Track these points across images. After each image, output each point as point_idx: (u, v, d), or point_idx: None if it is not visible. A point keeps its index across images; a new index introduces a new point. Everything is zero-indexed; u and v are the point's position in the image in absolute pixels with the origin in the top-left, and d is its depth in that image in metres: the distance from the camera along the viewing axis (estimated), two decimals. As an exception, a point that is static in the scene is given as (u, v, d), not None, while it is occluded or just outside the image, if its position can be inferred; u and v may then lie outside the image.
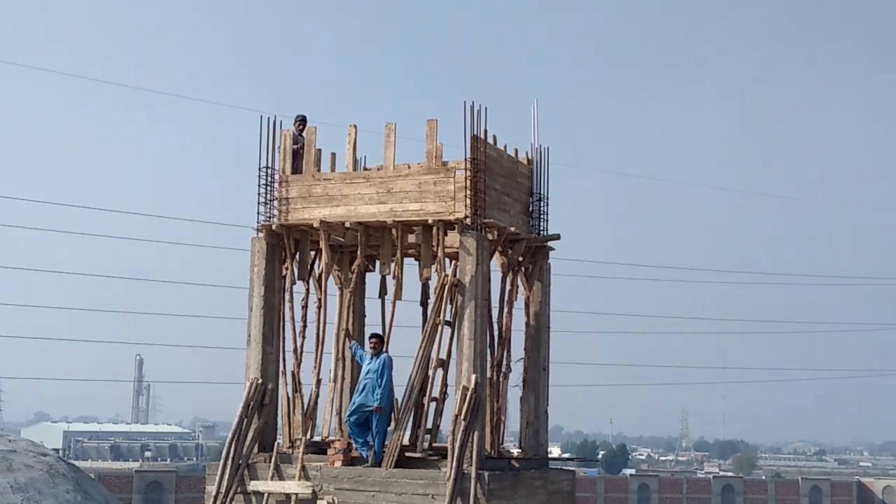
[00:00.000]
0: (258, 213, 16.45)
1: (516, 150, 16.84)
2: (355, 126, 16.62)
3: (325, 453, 15.81)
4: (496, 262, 16.59)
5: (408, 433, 15.56)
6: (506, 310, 16.71)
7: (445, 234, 15.66)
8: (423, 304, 17.17)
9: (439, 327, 15.55)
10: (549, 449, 17.71)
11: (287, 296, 16.57)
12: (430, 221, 15.57)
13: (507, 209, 16.24)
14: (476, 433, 14.77)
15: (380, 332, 16.49)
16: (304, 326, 16.51)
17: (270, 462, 15.62)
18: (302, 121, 17.02)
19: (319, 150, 16.74)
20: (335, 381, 16.77)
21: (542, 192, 17.16)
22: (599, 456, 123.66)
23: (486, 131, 15.56)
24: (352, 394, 16.51)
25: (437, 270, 15.77)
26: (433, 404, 15.61)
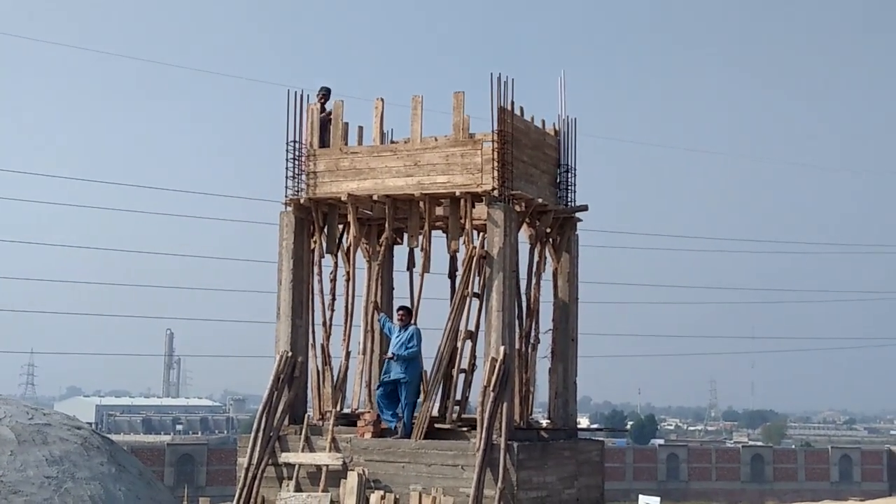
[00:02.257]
0: (286, 187, 16.52)
1: (543, 122, 16.81)
2: (382, 99, 16.64)
3: (354, 425, 15.93)
4: (524, 234, 16.60)
5: (437, 405, 15.65)
6: (534, 281, 16.72)
7: (473, 207, 15.67)
8: (452, 276, 17.22)
9: (468, 299, 15.60)
10: (577, 419, 17.75)
11: (316, 269, 16.65)
12: (457, 194, 15.58)
13: (534, 181, 16.23)
14: (505, 404, 14.83)
15: (408, 305, 16.55)
16: (333, 299, 16.59)
17: (301, 434, 15.74)
18: (325, 93, 16.98)
19: (346, 124, 16.73)
20: (364, 353, 16.86)
21: (569, 164, 17.13)
22: (628, 426, 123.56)
23: (513, 103, 15.54)
24: (380, 366, 16.61)
25: (464, 242, 15.80)
26: (462, 376, 15.69)
